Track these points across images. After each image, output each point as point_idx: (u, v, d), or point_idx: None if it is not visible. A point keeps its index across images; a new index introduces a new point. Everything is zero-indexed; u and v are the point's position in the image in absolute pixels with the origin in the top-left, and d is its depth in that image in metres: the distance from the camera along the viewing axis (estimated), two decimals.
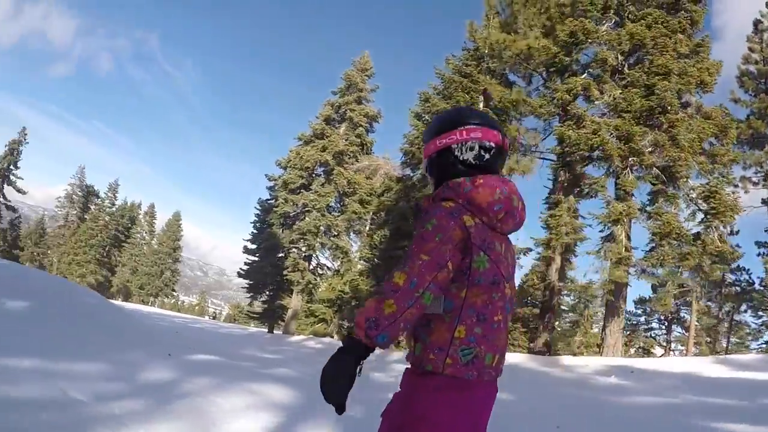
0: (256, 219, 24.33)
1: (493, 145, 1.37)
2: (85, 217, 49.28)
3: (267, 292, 25.52)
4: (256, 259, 25.10)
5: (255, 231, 24.37)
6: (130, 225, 50.46)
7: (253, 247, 25.19)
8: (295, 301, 24.21)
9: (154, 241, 50.44)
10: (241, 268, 25.58)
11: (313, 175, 23.42)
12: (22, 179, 43.36)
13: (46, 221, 52.42)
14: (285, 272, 23.72)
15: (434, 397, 1.23)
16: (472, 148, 1.36)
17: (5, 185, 42.98)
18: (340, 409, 1.19)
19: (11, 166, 42.94)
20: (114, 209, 50.07)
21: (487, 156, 1.36)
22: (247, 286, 26.09)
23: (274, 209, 22.68)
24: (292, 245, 23.62)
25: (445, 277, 1.21)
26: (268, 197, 24.50)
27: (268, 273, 24.28)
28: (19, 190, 43.86)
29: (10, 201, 44.25)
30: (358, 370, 1.20)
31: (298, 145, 23.96)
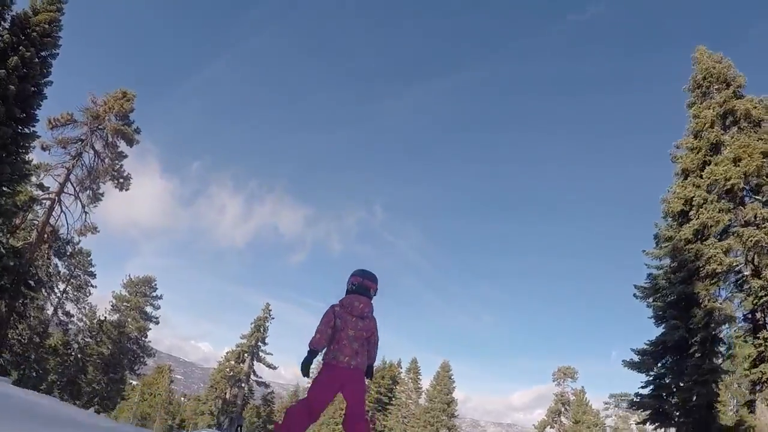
0: (657, 310, 15.74)
1: (355, 282, 3.82)
2: None
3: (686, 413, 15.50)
4: (660, 371, 15.95)
5: (660, 322, 15.57)
6: (392, 385, 45.62)
7: (636, 360, 16.31)
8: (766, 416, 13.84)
9: (422, 399, 44.01)
10: (639, 393, 16.69)
11: (739, 202, 14.85)
12: (271, 354, 42.99)
13: (299, 394, 50.77)
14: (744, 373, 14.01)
15: (322, 369, 3.65)
16: (349, 284, 3.85)
17: (255, 361, 43.06)
18: (305, 375, 3.71)
19: (259, 343, 43.20)
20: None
21: (354, 286, 3.80)
22: (648, 416, 16.60)
23: (700, 269, 14.02)
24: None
25: (330, 330, 3.66)
26: (648, 274, 16.20)
27: (699, 383, 14.66)
28: (269, 366, 43.39)
29: (261, 377, 43.99)
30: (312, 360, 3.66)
31: (678, 182, 16.14)
